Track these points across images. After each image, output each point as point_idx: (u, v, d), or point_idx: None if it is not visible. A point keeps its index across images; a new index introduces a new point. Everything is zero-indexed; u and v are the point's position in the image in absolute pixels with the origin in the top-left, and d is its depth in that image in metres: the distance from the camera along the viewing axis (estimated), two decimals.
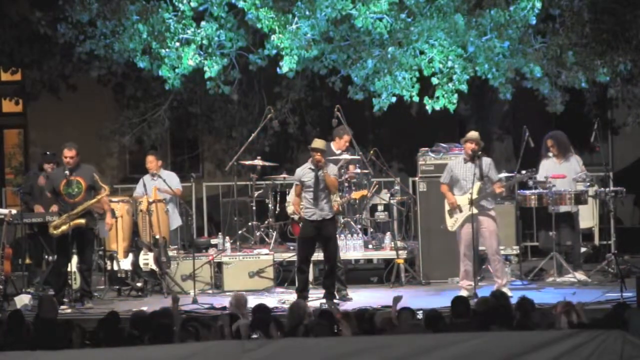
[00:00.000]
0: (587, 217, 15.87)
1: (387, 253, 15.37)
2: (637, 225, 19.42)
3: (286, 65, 15.65)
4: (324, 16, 15.44)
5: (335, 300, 13.60)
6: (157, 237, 14.86)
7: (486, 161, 13.81)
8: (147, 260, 14.79)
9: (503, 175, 15.14)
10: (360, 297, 13.97)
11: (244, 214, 16.85)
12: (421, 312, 10.64)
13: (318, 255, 14.18)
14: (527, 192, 15.08)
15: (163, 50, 15.99)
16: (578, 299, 11.27)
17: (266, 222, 15.98)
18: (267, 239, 15.88)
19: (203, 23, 16.04)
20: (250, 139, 16.30)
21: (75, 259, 14.18)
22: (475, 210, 13.57)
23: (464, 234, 13.70)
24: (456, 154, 14.78)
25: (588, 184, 15.20)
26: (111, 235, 15.21)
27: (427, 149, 15.47)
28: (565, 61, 16.13)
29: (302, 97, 18.69)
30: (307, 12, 15.41)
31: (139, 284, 14.81)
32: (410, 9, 15.63)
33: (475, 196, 13.55)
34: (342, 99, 16.42)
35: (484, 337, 8.78)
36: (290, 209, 14.91)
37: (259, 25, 15.62)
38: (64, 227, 13.76)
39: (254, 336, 9.66)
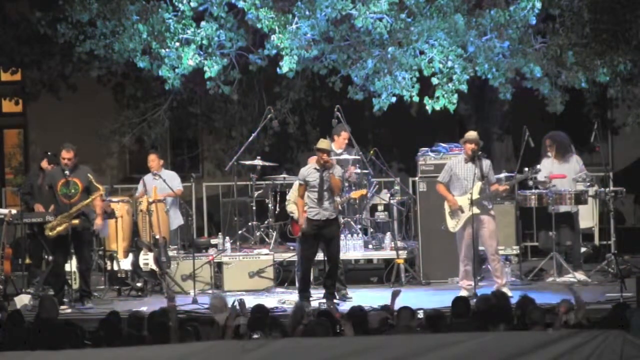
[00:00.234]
0: (587, 217, 15.86)
1: (387, 253, 15.37)
2: (637, 225, 19.41)
3: (286, 65, 15.64)
4: (324, 16, 15.44)
5: (335, 300, 13.60)
6: (157, 237, 14.86)
7: (486, 162, 13.81)
8: (147, 260, 14.78)
9: (503, 175, 15.15)
10: (360, 297, 13.95)
11: (244, 214, 16.84)
12: (421, 312, 10.64)
13: (318, 255, 14.18)
14: (527, 192, 15.08)
15: (163, 50, 15.99)
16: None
17: (266, 222, 15.97)
18: (267, 239, 15.87)
19: (203, 23, 16.04)
20: (250, 139, 16.31)
21: (75, 259, 14.19)
22: (476, 210, 13.57)
23: (464, 234, 13.70)
24: (456, 154, 14.77)
25: (588, 184, 15.19)
26: (111, 235, 15.22)
27: (427, 149, 15.47)
28: (565, 61, 16.12)
29: (302, 97, 18.67)
30: (307, 12, 15.43)
31: (139, 284, 14.82)
32: (410, 9, 15.63)
33: (476, 196, 13.55)
34: (342, 99, 16.41)
35: (484, 337, 8.77)
36: (290, 207, 14.90)
37: (259, 25, 15.63)
38: (59, 228, 13.76)
39: (255, 336, 9.66)
